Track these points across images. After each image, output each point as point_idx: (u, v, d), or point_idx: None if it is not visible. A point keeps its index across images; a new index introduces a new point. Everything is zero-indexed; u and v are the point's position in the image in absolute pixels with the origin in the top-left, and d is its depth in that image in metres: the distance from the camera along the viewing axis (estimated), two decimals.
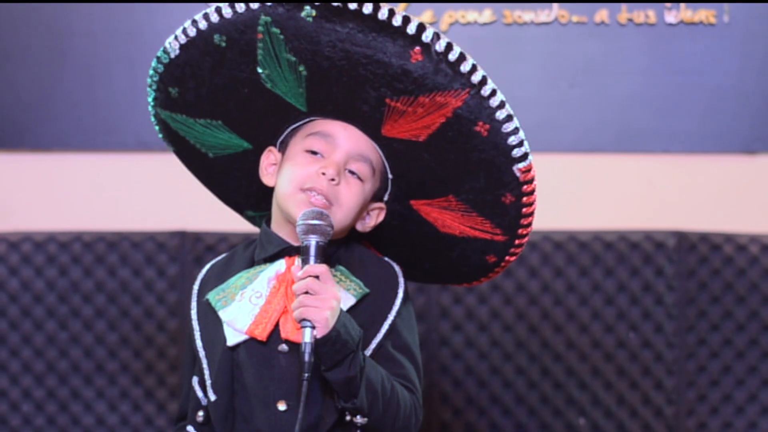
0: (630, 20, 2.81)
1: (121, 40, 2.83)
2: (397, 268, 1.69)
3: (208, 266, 1.75)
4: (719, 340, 2.73)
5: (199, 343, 1.63)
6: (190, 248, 2.76)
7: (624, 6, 2.81)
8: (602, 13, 2.81)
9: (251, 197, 1.82)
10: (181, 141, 1.78)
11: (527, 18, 2.81)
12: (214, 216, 2.70)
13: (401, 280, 1.67)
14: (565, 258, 2.74)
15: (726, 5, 2.80)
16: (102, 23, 2.82)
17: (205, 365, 1.61)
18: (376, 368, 1.53)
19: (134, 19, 2.82)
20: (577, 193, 2.84)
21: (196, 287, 1.71)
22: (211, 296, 1.63)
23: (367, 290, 1.60)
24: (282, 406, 1.56)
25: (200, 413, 1.62)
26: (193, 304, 1.68)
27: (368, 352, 1.57)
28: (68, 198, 2.86)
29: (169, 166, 2.79)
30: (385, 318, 1.61)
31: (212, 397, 1.59)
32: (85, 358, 2.74)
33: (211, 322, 1.63)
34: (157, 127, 1.79)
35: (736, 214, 2.82)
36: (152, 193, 2.87)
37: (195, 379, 1.64)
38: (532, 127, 2.76)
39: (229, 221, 2.67)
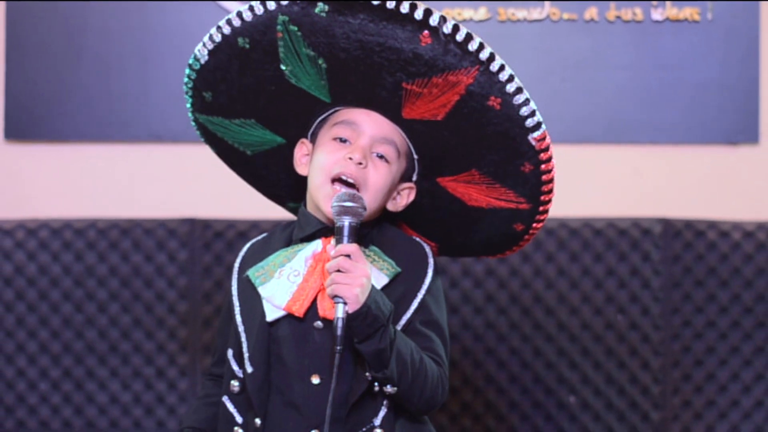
0: (618, 17, 2.83)
1: (135, 36, 2.83)
2: (427, 247, 1.73)
3: (248, 245, 1.79)
4: (703, 322, 2.76)
5: (238, 318, 1.67)
6: (200, 234, 2.78)
7: (612, 4, 2.82)
8: (591, 10, 2.83)
9: (290, 189, 1.87)
10: (220, 142, 1.84)
11: (520, 15, 2.83)
12: (222, 204, 2.78)
13: (431, 258, 1.70)
14: (556, 244, 2.76)
15: (710, 3, 2.82)
16: (116, 20, 2.83)
17: (243, 338, 1.64)
18: (405, 341, 1.57)
19: (147, 16, 2.83)
20: (567, 182, 2.71)
21: (237, 264, 1.75)
22: (251, 273, 1.67)
23: (398, 269, 1.64)
24: (316, 380, 1.60)
25: (235, 383, 1.66)
26: (234, 281, 1.72)
27: (398, 327, 1.60)
28: (83, 187, 2.88)
29: (179, 156, 2.85)
30: (414, 296, 1.65)
31: (249, 370, 1.62)
32: (100, 339, 2.77)
33: (250, 297, 1.67)
34: (198, 132, 1.85)
35: (719, 202, 2.83)
36: (163, 182, 2.87)
37: (230, 352, 1.69)
38: None
39: (236, 209, 2.74)
